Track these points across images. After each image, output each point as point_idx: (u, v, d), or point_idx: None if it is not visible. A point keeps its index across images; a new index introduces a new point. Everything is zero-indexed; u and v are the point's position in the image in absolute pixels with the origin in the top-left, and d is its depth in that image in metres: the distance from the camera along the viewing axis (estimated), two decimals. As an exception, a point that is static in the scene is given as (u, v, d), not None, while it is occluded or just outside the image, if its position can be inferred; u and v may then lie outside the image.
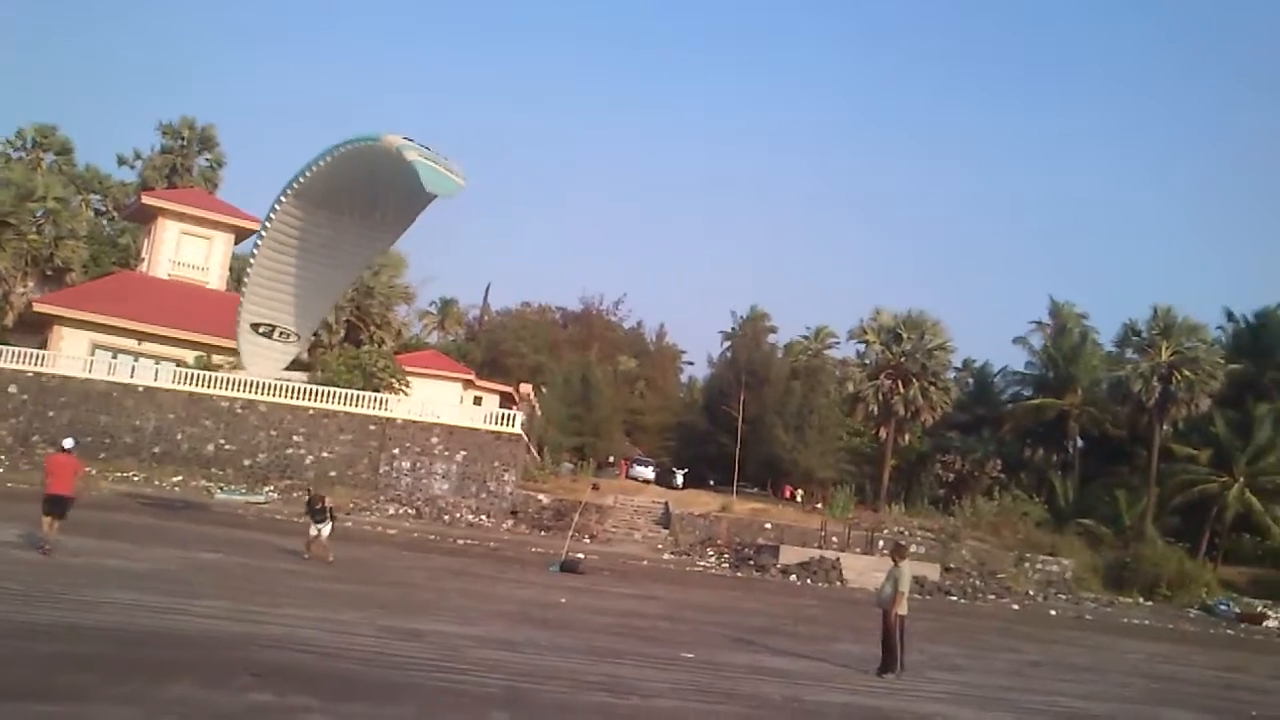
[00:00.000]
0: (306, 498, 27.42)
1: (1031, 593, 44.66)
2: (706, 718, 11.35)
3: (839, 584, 39.91)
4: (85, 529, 24.55)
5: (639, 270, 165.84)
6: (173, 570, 18.86)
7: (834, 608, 30.64)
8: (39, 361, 47.08)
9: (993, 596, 42.44)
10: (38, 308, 52.29)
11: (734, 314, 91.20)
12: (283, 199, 28.16)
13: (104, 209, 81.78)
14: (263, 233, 29.36)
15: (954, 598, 40.71)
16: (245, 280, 29.17)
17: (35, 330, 52.69)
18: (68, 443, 20.79)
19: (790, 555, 42.70)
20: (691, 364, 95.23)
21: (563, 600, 22.42)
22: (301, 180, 27.32)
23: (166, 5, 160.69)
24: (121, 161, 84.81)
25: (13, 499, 30.75)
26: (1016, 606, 41.03)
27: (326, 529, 24.58)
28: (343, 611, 16.12)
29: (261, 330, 27.27)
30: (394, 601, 18.39)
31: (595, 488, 46.63)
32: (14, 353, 46.89)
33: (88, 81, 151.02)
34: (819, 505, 55.39)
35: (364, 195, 26.90)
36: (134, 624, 12.62)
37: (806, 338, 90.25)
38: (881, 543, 44.58)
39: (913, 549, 47.02)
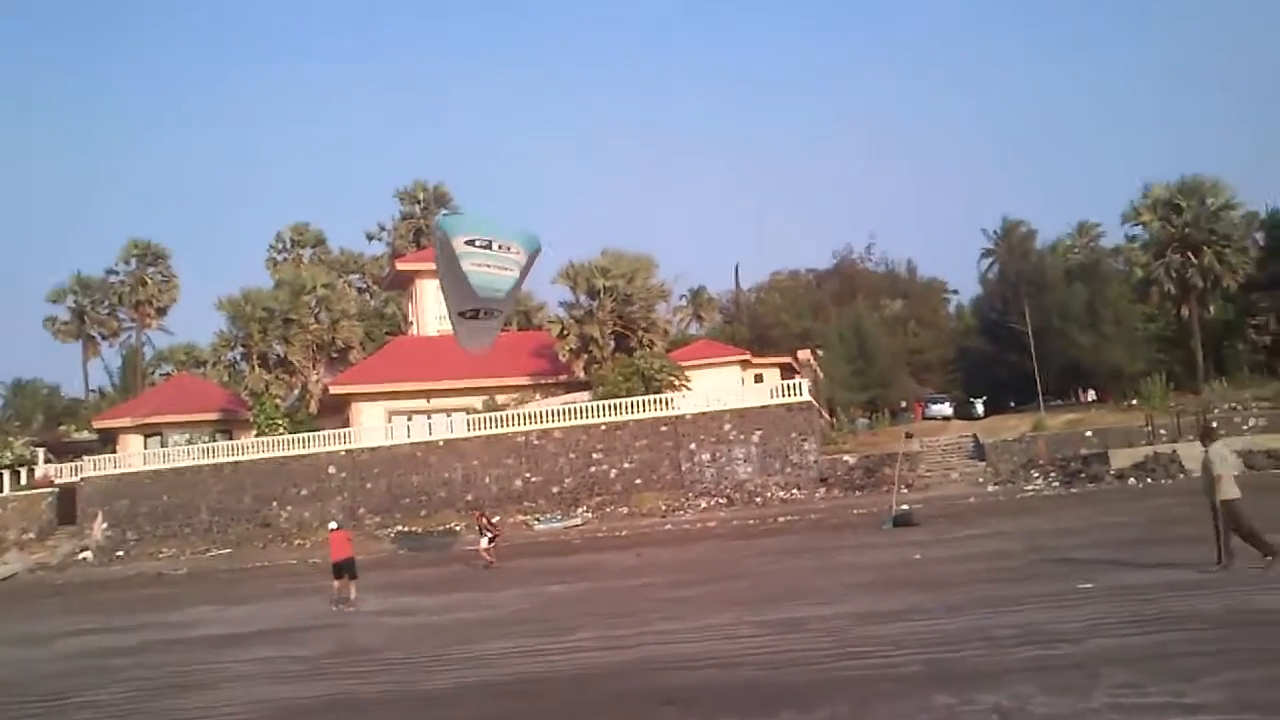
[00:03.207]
0: (475, 522, 34.17)
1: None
2: (1155, 651, 9.85)
3: (1181, 477, 36.85)
4: (435, 587, 25.35)
5: (873, 214, 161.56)
6: (529, 609, 18.76)
7: (1195, 503, 27.86)
8: (347, 439, 49.71)
9: (1359, 456, 37.96)
10: (333, 390, 55.42)
11: (985, 231, 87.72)
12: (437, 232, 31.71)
13: (364, 285, 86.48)
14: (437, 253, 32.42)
15: (1314, 465, 36.86)
16: (441, 286, 31.76)
17: (336, 411, 55.85)
18: (332, 525, 26.33)
19: (1121, 459, 39.98)
20: (955, 293, 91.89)
21: (917, 556, 21.14)
22: (438, 231, 30.81)
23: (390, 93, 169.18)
24: (370, 237, 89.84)
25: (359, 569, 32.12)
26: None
27: (484, 541, 30.34)
28: (711, 616, 15.43)
29: (468, 315, 29.79)
30: (753, 595, 17.64)
31: (908, 436, 44.97)
32: (325, 435, 49.82)
33: (323, 170, 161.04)
34: (1132, 402, 51.55)
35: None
36: (524, 672, 12.26)
37: (1069, 236, 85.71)
38: (1216, 424, 41.02)
39: (1250, 422, 43.29)
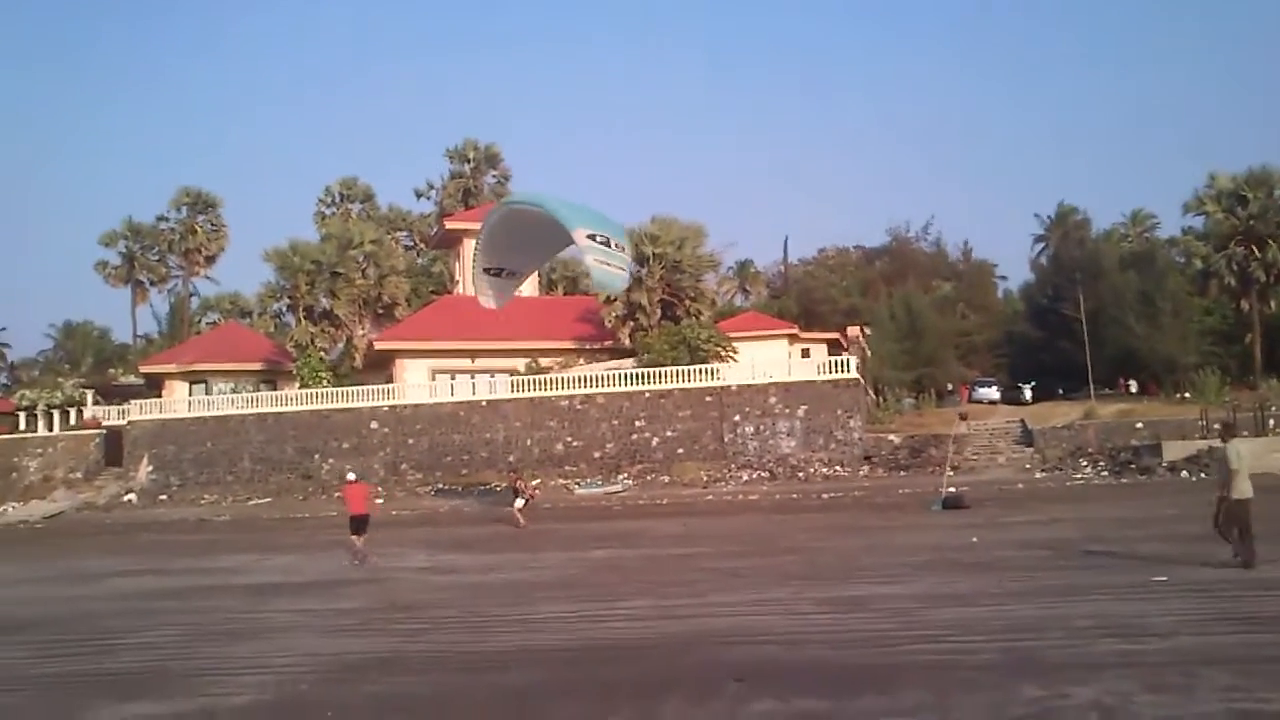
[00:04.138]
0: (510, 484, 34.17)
1: None
2: (1251, 653, 9.38)
3: (1237, 472, 35.89)
4: (478, 546, 25.15)
5: (921, 196, 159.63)
6: (579, 574, 18.43)
7: (1260, 499, 27.21)
8: (390, 395, 49.66)
9: None
10: (379, 346, 55.32)
11: (1038, 216, 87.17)
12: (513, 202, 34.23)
13: (412, 243, 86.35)
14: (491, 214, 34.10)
15: (1387, 463, 35.85)
16: (476, 243, 33.10)
17: (380, 367, 55.79)
18: (350, 475, 25.33)
19: (1174, 451, 39.10)
20: (1005, 278, 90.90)
21: (974, 540, 20.66)
22: (509, 204, 33.25)
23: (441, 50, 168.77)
24: (419, 195, 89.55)
25: (401, 525, 32.07)
26: None
27: (519, 503, 30.69)
28: (767, 589, 15.09)
29: (492, 272, 31.45)
30: (807, 570, 17.25)
31: (963, 417, 44.28)
32: (369, 391, 49.80)
33: (373, 125, 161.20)
34: (1184, 395, 50.59)
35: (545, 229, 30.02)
36: (581, 638, 11.97)
37: (1123, 225, 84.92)
38: (1273, 421, 40.08)
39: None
